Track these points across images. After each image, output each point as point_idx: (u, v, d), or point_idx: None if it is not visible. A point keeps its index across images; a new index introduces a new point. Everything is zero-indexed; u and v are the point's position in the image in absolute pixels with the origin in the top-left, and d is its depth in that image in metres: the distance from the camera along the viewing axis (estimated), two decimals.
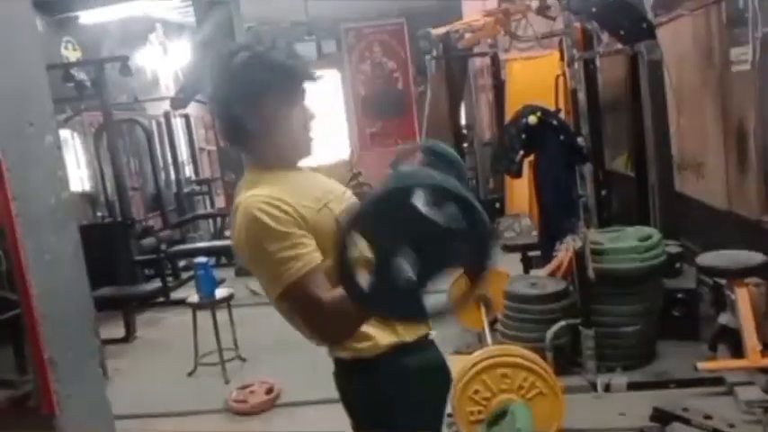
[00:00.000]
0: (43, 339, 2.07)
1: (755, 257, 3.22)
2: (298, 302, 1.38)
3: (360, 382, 1.51)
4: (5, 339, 3.06)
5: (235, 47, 1.46)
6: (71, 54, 6.77)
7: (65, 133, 6.27)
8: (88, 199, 6.66)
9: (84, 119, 6.57)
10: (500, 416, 2.65)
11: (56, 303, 2.16)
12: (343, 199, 1.54)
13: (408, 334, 1.49)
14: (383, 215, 1.10)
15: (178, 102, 7.31)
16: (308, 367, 2.76)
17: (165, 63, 8.75)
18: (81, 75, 6.00)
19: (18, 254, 2.06)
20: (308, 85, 1.50)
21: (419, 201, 1.08)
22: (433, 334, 1.59)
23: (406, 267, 1.07)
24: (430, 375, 1.56)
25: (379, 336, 1.46)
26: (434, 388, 1.58)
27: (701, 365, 3.12)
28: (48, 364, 2.09)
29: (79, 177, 6.69)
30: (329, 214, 1.43)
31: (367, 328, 1.43)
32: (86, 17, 6.87)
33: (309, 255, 1.37)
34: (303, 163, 1.58)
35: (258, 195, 1.39)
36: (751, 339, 3.03)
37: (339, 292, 1.23)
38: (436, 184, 1.10)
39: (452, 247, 1.09)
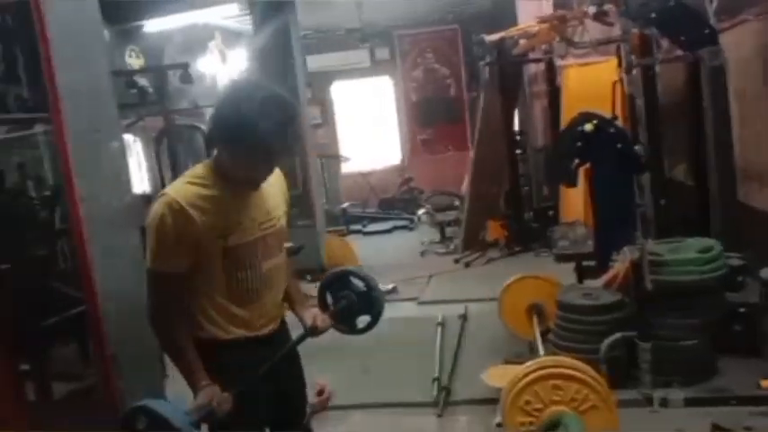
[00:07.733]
0: (106, 337, 2.15)
1: None
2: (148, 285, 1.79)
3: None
4: (71, 334, 3.21)
5: (259, 95, 1.72)
6: (134, 62, 7.02)
7: (127, 137, 6.51)
8: (148, 200, 6.88)
9: (145, 124, 6.80)
10: (551, 428, 2.61)
11: (117, 302, 2.24)
12: (256, 229, 1.85)
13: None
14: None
15: None
16: None
17: (224, 70, 8.97)
18: (143, 81, 6.22)
19: (84, 254, 2.15)
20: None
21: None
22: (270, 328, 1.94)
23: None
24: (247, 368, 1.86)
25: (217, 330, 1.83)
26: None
27: (765, 383, 3.00)
28: (110, 360, 2.17)
29: (139, 179, 6.94)
30: (220, 244, 1.77)
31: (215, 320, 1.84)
32: (150, 26, 7.12)
33: (175, 260, 1.74)
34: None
35: (175, 195, 1.74)
36: None
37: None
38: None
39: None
